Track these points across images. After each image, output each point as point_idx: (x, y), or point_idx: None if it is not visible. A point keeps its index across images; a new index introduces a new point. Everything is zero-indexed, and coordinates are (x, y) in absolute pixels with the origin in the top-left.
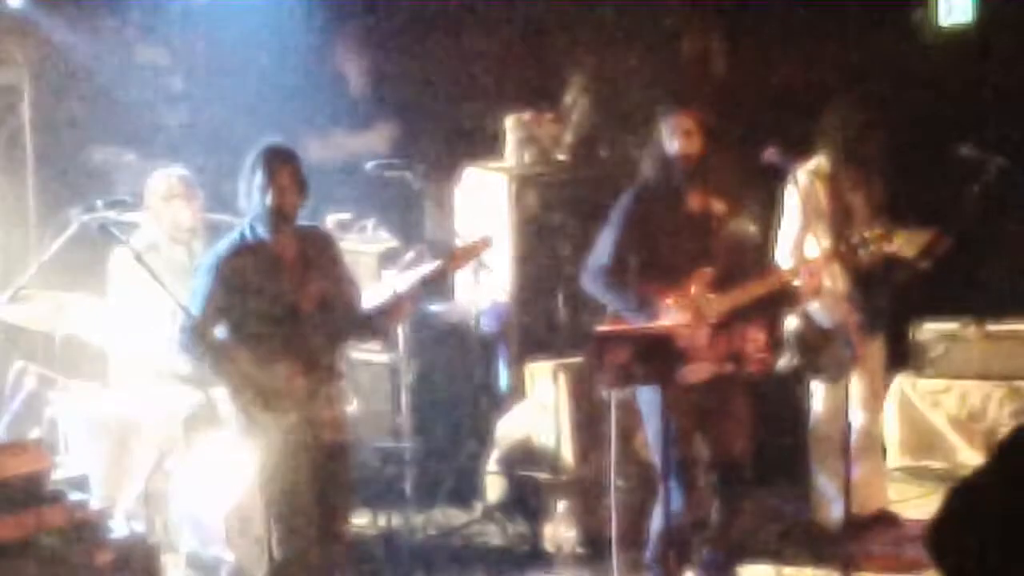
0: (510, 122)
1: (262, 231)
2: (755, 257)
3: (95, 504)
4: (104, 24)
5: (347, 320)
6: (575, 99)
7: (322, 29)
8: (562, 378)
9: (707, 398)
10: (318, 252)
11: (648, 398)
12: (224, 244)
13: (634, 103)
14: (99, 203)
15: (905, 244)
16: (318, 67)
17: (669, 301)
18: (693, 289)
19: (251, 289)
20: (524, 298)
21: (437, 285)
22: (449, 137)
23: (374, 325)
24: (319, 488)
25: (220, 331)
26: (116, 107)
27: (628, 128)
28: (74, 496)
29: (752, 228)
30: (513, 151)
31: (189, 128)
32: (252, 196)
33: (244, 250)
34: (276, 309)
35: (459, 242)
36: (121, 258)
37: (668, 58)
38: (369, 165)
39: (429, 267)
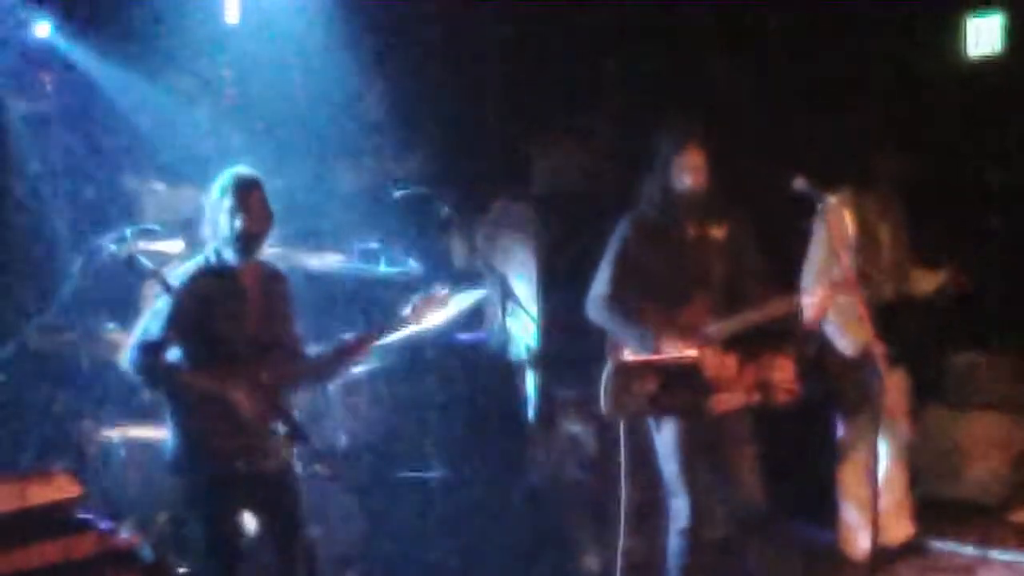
0: (537, 149)
1: (229, 256)
2: (756, 283)
3: (125, 532)
4: (131, 52)
5: (296, 360)
6: (602, 126)
7: (350, 56)
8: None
9: (718, 430)
10: (276, 286)
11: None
12: (189, 267)
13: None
14: (128, 232)
15: (924, 281)
16: (346, 94)
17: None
18: (691, 317)
19: (213, 313)
20: (551, 326)
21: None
22: (477, 165)
23: (320, 370)
24: (265, 518)
25: (173, 353)
26: (144, 136)
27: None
28: (103, 524)
29: (755, 254)
30: (540, 178)
31: (217, 157)
32: (218, 222)
33: (209, 274)
34: (236, 336)
35: (418, 297)
36: (152, 288)
37: (689, 89)
38: (397, 193)
39: (393, 320)
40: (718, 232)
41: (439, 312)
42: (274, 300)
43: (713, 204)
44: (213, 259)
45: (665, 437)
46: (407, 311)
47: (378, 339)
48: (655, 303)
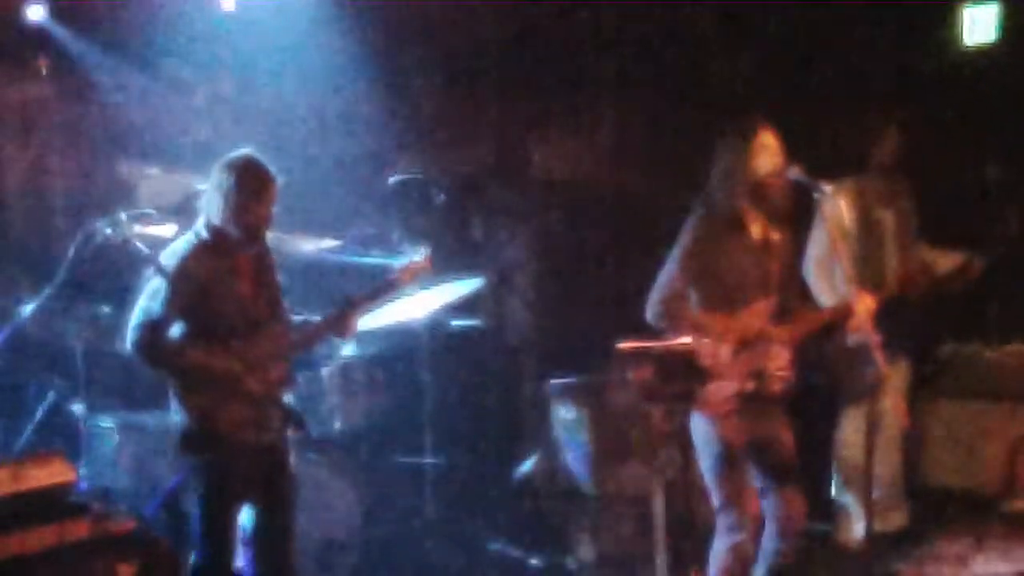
0: (535, 137)
1: (233, 234)
2: (799, 284)
3: (119, 515)
4: (126, 39)
5: (290, 331)
6: (605, 114)
7: (345, 43)
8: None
9: (757, 426)
10: (267, 261)
11: (702, 429)
12: (188, 245)
13: (663, 119)
14: (123, 216)
15: (938, 261)
16: (341, 80)
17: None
18: (755, 321)
19: (210, 291)
20: (546, 313)
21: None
22: (473, 153)
23: (313, 339)
24: (260, 490)
25: (176, 331)
26: (140, 120)
27: (657, 145)
28: (98, 507)
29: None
30: (539, 165)
31: (212, 142)
32: (228, 203)
33: (204, 252)
34: (233, 312)
35: (400, 262)
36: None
37: (700, 76)
38: (392, 179)
39: (371, 290)
40: (776, 233)
41: (424, 276)
42: (267, 273)
43: (788, 195)
44: (207, 236)
45: (700, 441)
46: (394, 275)
47: (366, 304)
48: (717, 305)
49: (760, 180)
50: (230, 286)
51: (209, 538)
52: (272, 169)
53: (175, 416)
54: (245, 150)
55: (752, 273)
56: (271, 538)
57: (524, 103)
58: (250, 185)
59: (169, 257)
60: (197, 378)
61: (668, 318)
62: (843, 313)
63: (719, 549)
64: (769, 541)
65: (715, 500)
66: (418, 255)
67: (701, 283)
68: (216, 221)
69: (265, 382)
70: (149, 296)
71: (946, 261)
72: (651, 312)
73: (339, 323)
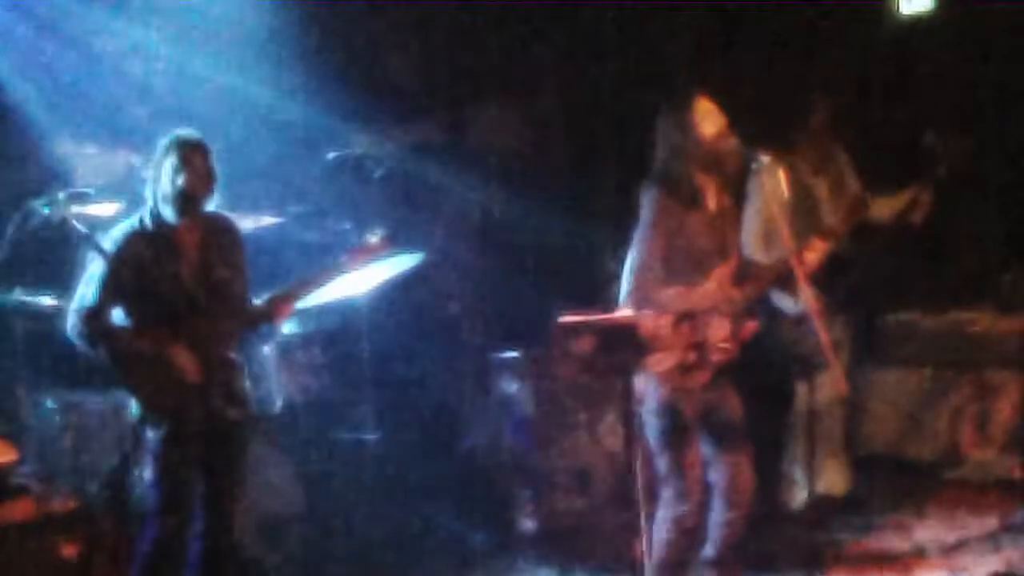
0: (475, 108)
1: (168, 215)
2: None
3: (61, 496)
4: (62, 13)
5: (240, 309)
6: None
7: (287, 17)
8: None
9: (705, 394)
10: (220, 239)
11: (652, 396)
12: (123, 228)
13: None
14: (61, 196)
15: (882, 208)
16: (281, 55)
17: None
18: (717, 285)
19: (149, 274)
20: (487, 287)
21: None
22: (415, 126)
23: (263, 316)
24: (207, 473)
25: (115, 316)
26: (76, 98)
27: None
28: (39, 488)
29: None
30: (477, 137)
31: (151, 119)
32: (159, 181)
33: (144, 235)
34: (173, 295)
35: (360, 241)
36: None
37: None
38: (331, 155)
39: (329, 267)
40: (728, 200)
41: (374, 259)
42: (218, 253)
43: (738, 159)
44: (148, 220)
45: (648, 413)
46: (343, 258)
47: (315, 287)
48: (682, 278)
49: (710, 145)
50: (168, 269)
51: (164, 512)
52: (198, 137)
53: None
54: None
55: (713, 241)
56: (218, 512)
57: (463, 71)
58: (177, 154)
59: (108, 242)
60: (133, 363)
61: (646, 300)
62: (797, 260)
63: (662, 520)
64: (718, 514)
65: (660, 469)
66: (373, 236)
67: (666, 257)
68: (155, 203)
69: (205, 364)
70: (86, 282)
71: (893, 204)
72: (627, 297)
73: (276, 310)
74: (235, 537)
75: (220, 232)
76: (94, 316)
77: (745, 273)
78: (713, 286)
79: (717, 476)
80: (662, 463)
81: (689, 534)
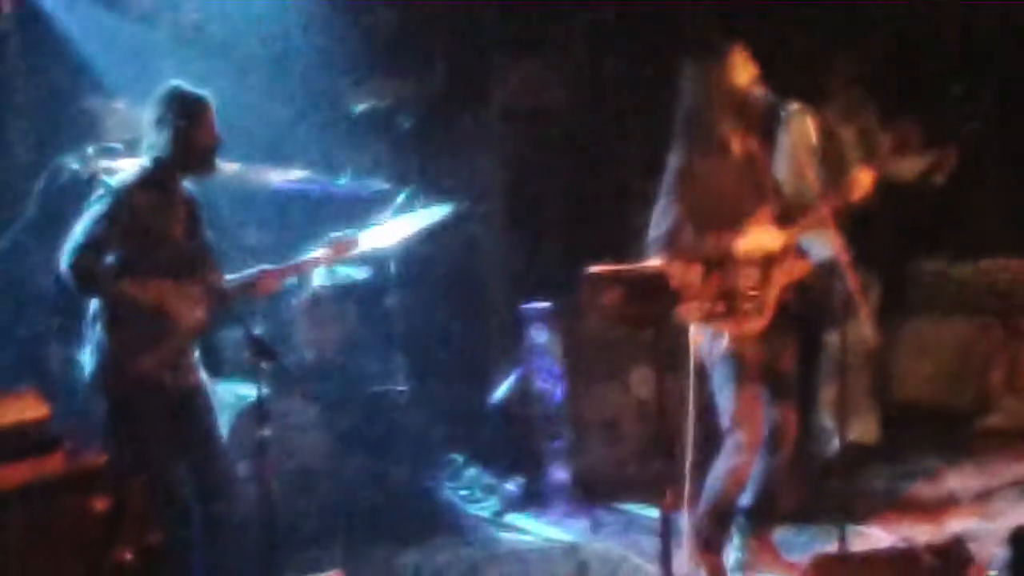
0: (503, 65)
1: (180, 167)
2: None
3: (92, 451)
4: None
5: (217, 277)
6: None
7: None
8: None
9: (769, 346)
10: (196, 208)
11: (721, 347)
12: (131, 174)
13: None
14: (90, 150)
15: (905, 167)
16: (306, 13)
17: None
18: (758, 229)
19: (150, 224)
20: (516, 238)
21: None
22: (442, 81)
23: (232, 297)
24: (185, 438)
25: (110, 259)
26: (103, 55)
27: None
28: (71, 443)
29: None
30: (505, 94)
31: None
32: (172, 133)
33: (148, 185)
34: (171, 248)
35: (332, 237)
36: None
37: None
38: (359, 108)
39: (303, 257)
40: (755, 144)
41: (350, 255)
42: (196, 224)
43: (764, 107)
44: (153, 168)
45: (719, 377)
46: (320, 250)
47: (289, 276)
48: (719, 227)
49: (742, 95)
50: (165, 225)
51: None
52: (204, 93)
53: (87, 355)
54: (171, 81)
55: (746, 186)
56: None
57: (490, 27)
58: (188, 111)
59: (116, 182)
60: (126, 310)
61: (673, 250)
62: (845, 192)
63: (720, 469)
64: (760, 462)
65: (725, 420)
66: (351, 232)
67: (698, 208)
68: (162, 154)
69: (187, 327)
70: (90, 218)
71: (916, 164)
72: (654, 248)
73: (252, 289)
74: (235, 503)
75: (194, 201)
76: (93, 252)
77: (786, 214)
78: (754, 229)
79: (765, 425)
80: (726, 415)
81: (741, 485)
